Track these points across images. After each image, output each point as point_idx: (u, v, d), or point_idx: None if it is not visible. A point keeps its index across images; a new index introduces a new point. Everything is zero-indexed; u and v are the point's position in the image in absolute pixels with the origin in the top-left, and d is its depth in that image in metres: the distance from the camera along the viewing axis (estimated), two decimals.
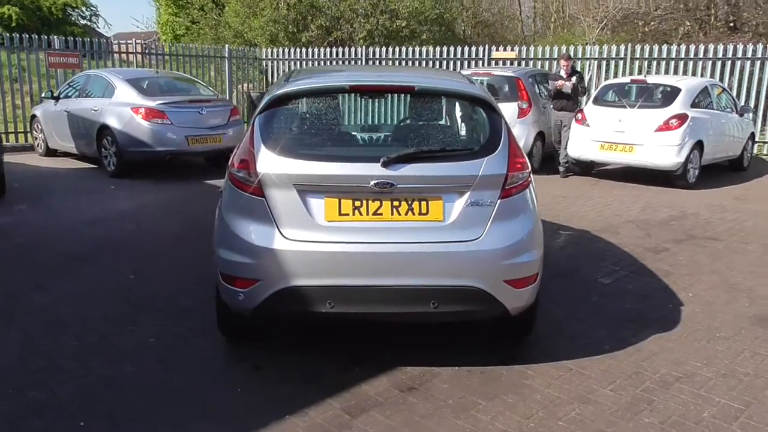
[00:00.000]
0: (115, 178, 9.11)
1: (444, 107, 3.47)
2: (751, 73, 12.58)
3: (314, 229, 3.07)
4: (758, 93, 12.49)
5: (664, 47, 13.23)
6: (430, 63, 14.80)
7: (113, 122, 9.15)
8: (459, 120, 3.37)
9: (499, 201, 3.16)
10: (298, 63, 15.85)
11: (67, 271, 4.96)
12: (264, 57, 16.46)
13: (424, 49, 14.93)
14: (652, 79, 10.25)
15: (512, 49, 14.32)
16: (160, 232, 6.21)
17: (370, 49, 15.34)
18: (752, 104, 12.20)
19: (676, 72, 12.77)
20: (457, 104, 3.43)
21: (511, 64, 13.97)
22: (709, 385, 3.30)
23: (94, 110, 9.52)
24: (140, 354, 3.55)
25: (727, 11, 20.90)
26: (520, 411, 3.01)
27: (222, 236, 3.26)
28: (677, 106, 9.14)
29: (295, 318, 3.52)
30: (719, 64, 12.59)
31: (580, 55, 13.91)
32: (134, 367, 3.39)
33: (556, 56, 13.78)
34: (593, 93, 10.76)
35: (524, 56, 14.06)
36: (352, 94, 3.52)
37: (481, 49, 14.51)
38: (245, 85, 16.41)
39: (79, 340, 3.72)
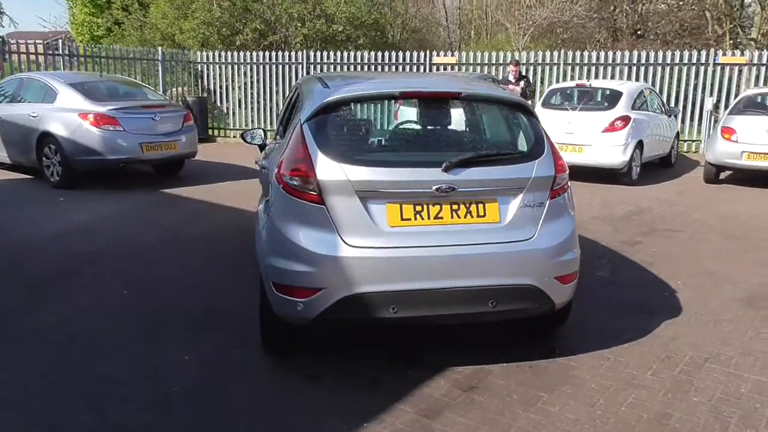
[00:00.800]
0: (59, 188, 8.63)
1: (487, 112, 3.58)
2: (662, 77, 13.50)
3: (377, 235, 3.10)
4: (669, 95, 13.39)
5: (594, 53, 13.96)
6: (372, 67, 14.90)
7: (57, 129, 8.67)
8: (503, 125, 3.49)
9: (548, 201, 3.30)
10: (235, 67, 15.55)
11: (53, 290, 4.69)
12: (199, 60, 16.01)
13: (366, 53, 15.00)
14: (595, 83, 10.83)
15: (452, 55, 14.68)
16: (135, 244, 5.96)
17: (309, 53, 15.23)
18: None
19: (596, 76, 13.49)
20: (497, 109, 3.54)
21: (452, 69, 14.32)
22: (734, 364, 3.57)
23: (33, 116, 8.98)
24: (183, 373, 3.43)
25: (636, 21, 22.30)
26: (582, 400, 3.16)
27: (275, 246, 3.22)
28: (621, 109, 9.72)
29: (356, 325, 3.52)
30: (634, 68, 13.44)
31: (494, 61, 14.39)
32: (183, 387, 3.28)
33: (494, 62, 14.27)
34: (539, 97, 11.24)
35: (464, 61, 14.43)
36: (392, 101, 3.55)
37: (422, 54, 14.76)
38: (178, 88, 15.91)
39: (111, 361, 3.54)
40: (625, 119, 9.53)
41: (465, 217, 3.17)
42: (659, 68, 13.53)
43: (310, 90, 3.63)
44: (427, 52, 14.84)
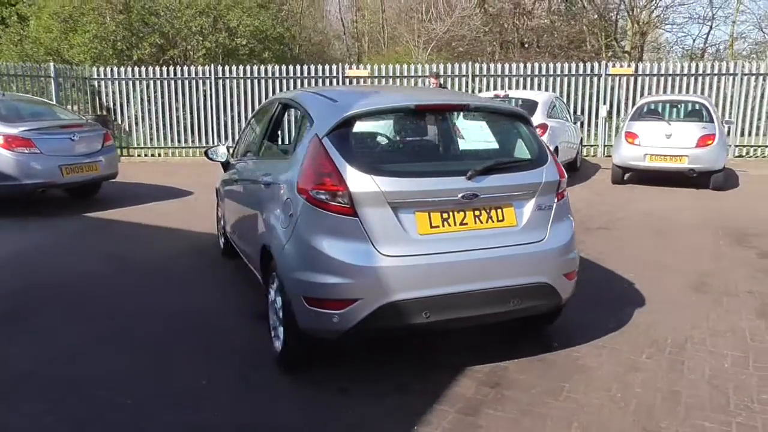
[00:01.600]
0: None
1: (492, 122, 3.77)
2: (560, 87, 14.54)
3: (409, 243, 3.19)
4: (568, 104, 14.44)
5: (500, 66, 14.75)
6: (284, 81, 14.85)
7: None
8: (509, 134, 3.69)
9: (554, 204, 3.54)
10: (135, 83, 14.94)
11: (20, 327, 4.36)
12: (96, 76, 15.20)
13: (276, 67, 14.91)
14: (512, 93, 11.45)
15: (365, 67, 14.93)
16: (86, 273, 5.63)
17: (216, 67, 14.90)
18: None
19: (498, 87, 14.30)
20: (501, 119, 3.74)
21: (365, 82, 14.57)
22: (709, 343, 3.98)
23: None
24: (211, 398, 3.33)
25: (523, 35, 23.74)
26: (598, 386, 3.41)
27: (305, 260, 3.22)
28: (538, 117, 10.35)
29: (387, 334, 3.56)
30: (536, 79, 14.41)
31: (420, 73, 14.90)
32: (218, 413, 3.18)
33: (406, 74, 14.68)
34: None
35: (377, 74, 14.72)
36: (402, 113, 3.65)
37: (334, 67, 14.90)
38: (72, 107, 15.02)
39: (129, 397, 3.36)
40: (543, 127, 10.16)
41: (486, 222, 3.34)
42: (558, 79, 14.50)
43: (315, 105, 3.66)
44: (340, 65, 15.00)
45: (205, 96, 14.98)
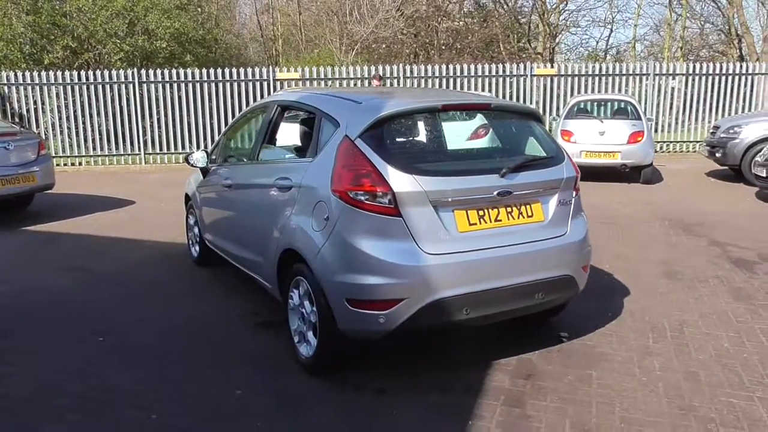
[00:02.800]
0: None
1: (511, 121, 3.84)
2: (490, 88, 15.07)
3: (451, 242, 3.22)
4: None
5: (437, 67, 15.03)
6: (211, 85, 14.44)
7: None
8: (528, 132, 3.77)
9: (573, 199, 3.68)
10: (48, 88, 14.07)
11: (10, 346, 4.03)
12: (4, 81, 14.15)
13: (204, 71, 14.46)
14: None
15: (296, 70, 14.77)
16: (53, 289, 5.26)
17: (140, 72, 14.27)
18: None
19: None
20: (519, 118, 3.83)
21: (296, 84, 14.43)
22: (702, 325, 4.25)
23: None
24: (248, 409, 3.22)
25: (444, 37, 24.30)
26: (623, 371, 3.57)
27: (348, 262, 3.18)
28: (479, 118, 10.63)
29: (430, 330, 3.54)
30: (468, 80, 14.85)
31: (351, 75, 14.93)
32: (262, 424, 3.08)
33: (338, 76, 14.66)
34: None
35: (308, 76, 14.60)
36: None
37: (264, 70, 14.65)
38: None
39: (157, 413, 3.19)
40: (486, 127, 10.43)
41: (518, 218, 3.43)
42: (486, 79, 14.96)
43: (336, 107, 3.61)
44: (270, 67, 14.75)
45: (128, 101, 14.30)
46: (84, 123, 14.24)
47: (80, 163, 14.51)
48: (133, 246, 6.75)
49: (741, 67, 15.50)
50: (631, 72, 15.26)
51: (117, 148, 14.51)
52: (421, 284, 3.14)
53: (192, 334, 4.20)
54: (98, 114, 14.31)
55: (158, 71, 14.47)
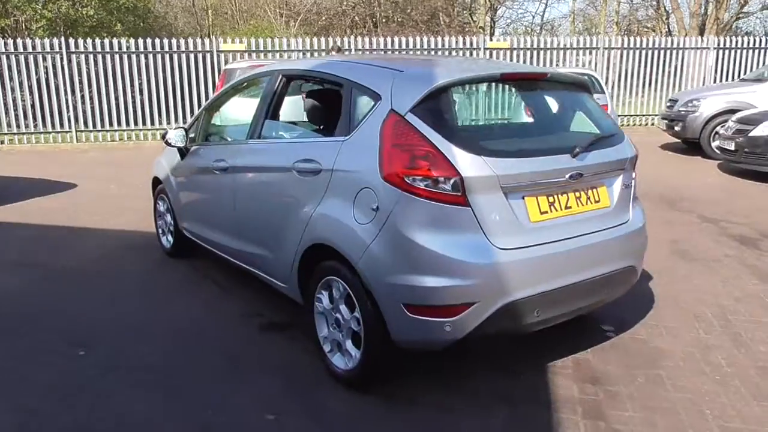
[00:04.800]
0: None
1: (566, 93, 3.37)
2: None
3: (523, 233, 2.78)
4: None
5: (387, 39, 14.46)
6: (149, 56, 13.35)
7: None
8: (585, 106, 3.33)
9: (633, 181, 3.31)
10: None
11: None
12: None
13: (140, 41, 13.33)
14: None
15: (241, 42, 13.87)
16: (7, 290, 4.51)
17: (60, 41, 12.95)
18: None
19: None
20: (573, 90, 3.37)
21: (241, 56, 13.56)
22: (744, 311, 4.01)
23: None
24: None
25: (387, 8, 23.66)
26: (690, 368, 3.26)
27: (406, 261, 2.68)
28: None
29: (498, 336, 3.08)
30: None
31: (299, 47, 14.17)
32: None
33: (286, 48, 13.86)
34: None
35: (254, 48, 13.74)
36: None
37: (207, 41, 13.68)
38: None
39: None
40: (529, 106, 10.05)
41: (586, 203, 3.02)
42: (440, 53, 14.52)
43: (373, 76, 3.06)
44: (213, 38, 13.78)
45: (54, 73, 13.02)
46: (5, 97, 12.87)
47: (2, 142, 13.15)
48: (89, 236, 5.96)
49: (697, 41, 15.77)
50: (582, 46, 15.20)
51: (44, 125, 13.23)
52: (493, 285, 2.68)
53: (195, 342, 3.60)
54: (21, 88, 12.97)
55: (88, 40, 13.23)
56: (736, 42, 15.57)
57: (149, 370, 3.27)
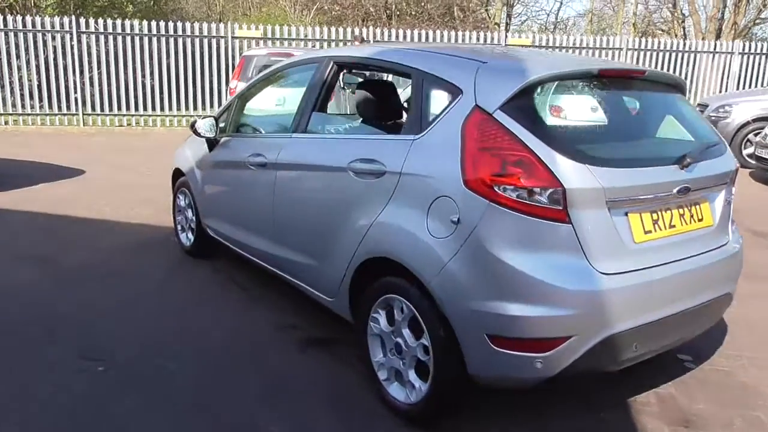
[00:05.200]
0: None
1: (661, 95, 2.97)
2: None
3: (626, 256, 2.39)
4: None
5: (404, 32, 14.02)
6: (161, 40, 12.91)
7: None
8: (682, 110, 2.93)
9: (731, 197, 2.92)
10: None
11: None
12: None
13: (153, 23, 12.89)
14: None
15: (257, 28, 13.44)
16: (13, 286, 4.14)
17: (71, 20, 12.50)
18: None
19: None
20: (667, 92, 2.97)
21: (257, 43, 13.14)
22: None
23: None
24: None
25: (401, 1, 23.17)
26: None
27: (493, 284, 2.29)
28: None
29: (591, 374, 2.69)
30: None
31: (316, 36, 13.74)
32: None
33: (303, 36, 13.45)
34: None
35: (270, 36, 13.31)
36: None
37: (222, 26, 13.23)
38: None
39: None
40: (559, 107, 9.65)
41: (689, 222, 2.63)
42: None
43: (450, 66, 2.67)
44: (228, 23, 13.35)
45: (63, 53, 12.58)
46: (11, 76, 12.44)
47: (6, 122, 12.72)
48: (100, 228, 5.57)
49: (722, 45, 15.37)
50: (605, 46, 14.80)
51: (50, 106, 12.80)
52: (594, 315, 2.30)
53: (227, 360, 3.21)
54: (27, 67, 12.54)
55: (99, 21, 12.79)
56: (761, 47, 15.16)
57: (177, 393, 2.88)
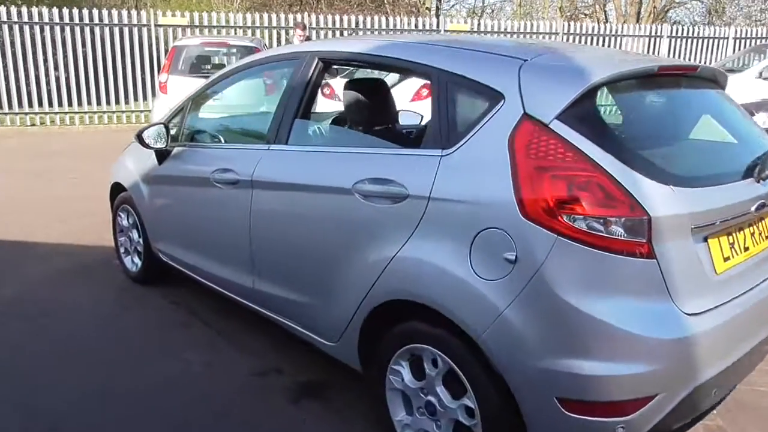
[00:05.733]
0: None
1: (708, 92, 2.57)
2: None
3: (710, 290, 2.00)
4: None
5: (343, 18, 13.45)
6: (75, 29, 11.78)
7: None
8: (731, 110, 2.57)
9: None
10: None
11: None
12: None
13: (66, 11, 11.73)
14: None
15: (183, 15, 12.51)
16: None
17: None
18: None
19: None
20: (714, 89, 2.57)
21: (183, 31, 12.26)
22: None
23: None
24: None
25: None
26: None
27: (570, 337, 1.85)
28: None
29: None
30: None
31: (247, 23, 12.95)
32: None
33: (233, 23, 12.65)
34: None
35: (197, 23, 12.42)
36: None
37: (144, 13, 12.21)
38: None
39: None
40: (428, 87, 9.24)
41: (759, 241, 2.28)
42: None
43: (485, 66, 2.19)
44: (151, 11, 12.35)
45: None
46: None
47: None
48: (26, 253, 4.79)
49: (646, 29, 15.62)
50: (540, 31, 14.76)
51: None
52: (683, 367, 1.91)
53: (209, 422, 2.64)
54: None
55: (2, 8, 11.51)
56: (689, 31, 15.53)
57: None
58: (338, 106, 3.99)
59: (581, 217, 1.83)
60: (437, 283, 2.08)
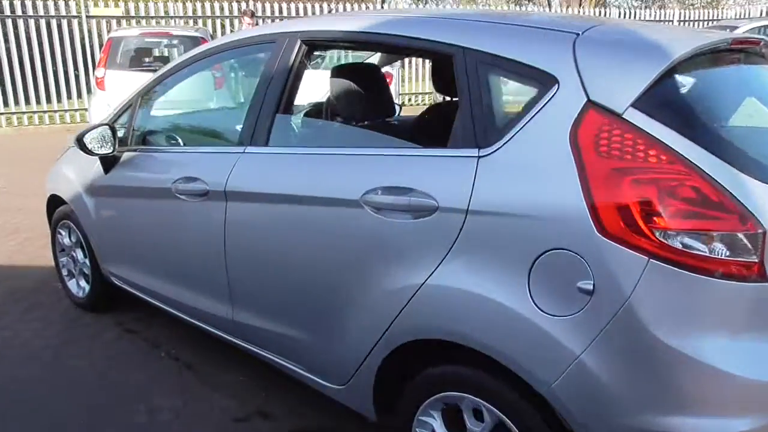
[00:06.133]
0: None
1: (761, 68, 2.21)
2: None
3: None
4: None
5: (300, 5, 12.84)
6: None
7: None
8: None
9: None
10: None
11: None
12: None
13: None
14: None
15: (116, 5, 11.66)
16: None
17: None
18: None
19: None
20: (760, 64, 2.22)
21: (118, 23, 11.43)
22: None
23: None
24: None
25: None
26: None
27: (671, 388, 1.45)
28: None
29: None
30: None
31: (188, 13, 12.19)
32: None
33: (173, 14, 11.86)
34: None
35: (133, 14, 11.59)
36: None
37: (73, 4, 11.28)
38: None
39: None
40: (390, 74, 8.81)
41: None
42: None
43: (527, 43, 1.76)
44: (81, 1, 11.42)
45: None
46: None
47: None
48: None
49: (605, 15, 15.55)
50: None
51: None
52: None
53: None
54: None
55: None
56: (632, 15, 15.57)
57: None
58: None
59: (674, 232, 1.43)
60: (485, 320, 1.65)
